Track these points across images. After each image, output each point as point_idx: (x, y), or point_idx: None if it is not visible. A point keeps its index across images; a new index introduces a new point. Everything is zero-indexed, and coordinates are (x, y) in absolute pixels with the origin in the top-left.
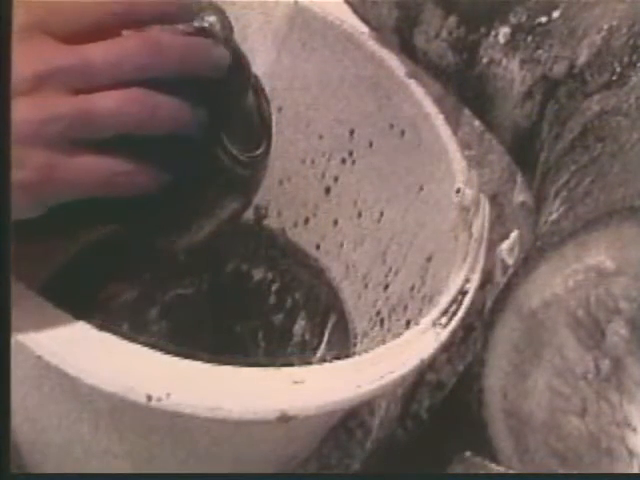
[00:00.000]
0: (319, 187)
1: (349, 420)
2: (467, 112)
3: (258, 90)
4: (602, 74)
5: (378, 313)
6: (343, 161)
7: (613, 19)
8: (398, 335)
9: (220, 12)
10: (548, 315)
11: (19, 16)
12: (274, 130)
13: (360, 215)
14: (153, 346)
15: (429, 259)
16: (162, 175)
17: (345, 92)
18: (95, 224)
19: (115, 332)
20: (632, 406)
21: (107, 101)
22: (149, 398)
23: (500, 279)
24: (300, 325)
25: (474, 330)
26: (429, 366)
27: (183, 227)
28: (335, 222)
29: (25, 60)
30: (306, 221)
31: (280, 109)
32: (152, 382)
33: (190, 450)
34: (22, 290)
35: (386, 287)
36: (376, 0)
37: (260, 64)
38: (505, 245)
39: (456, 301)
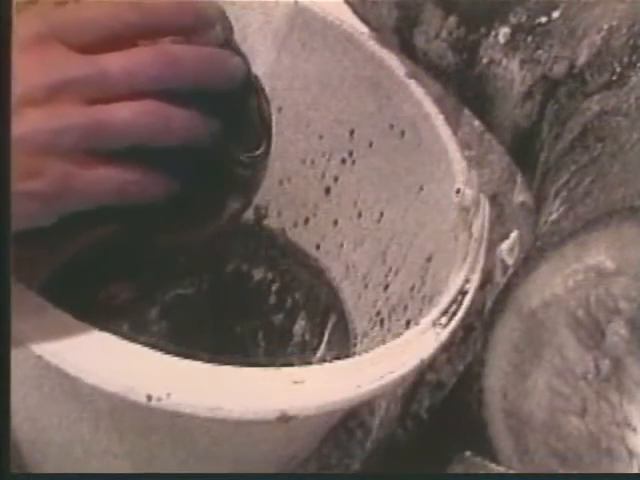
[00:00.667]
0: (319, 187)
1: (349, 420)
2: (467, 112)
3: (258, 90)
4: (602, 74)
5: (378, 313)
6: (343, 161)
7: (613, 19)
8: (398, 335)
9: (220, 12)
10: (548, 315)
11: (34, 25)
12: (274, 130)
13: (360, 215)
14: (153, 346)
15: (429, 259)
16: (172, 182)
17: (345, 92)
18: (96, 225)
19: (115, 332)
20: (632, 406)
21: (121, 112)
22: (149, 398)
23: (500, 279)
24: (300, 325)
25: (474, 330)
26: (429, 366)
27: (183, 227)
28: (335, 222)
29: (40, 69)
30: (306, 221)
31: (280, 109)
32: (152, 382)
33: (190, 450)
34: (22, 290)
35: (386, 287)
36: (376, 0)
37: (260, 64)
38: (505, 245)
39: (456, 301)
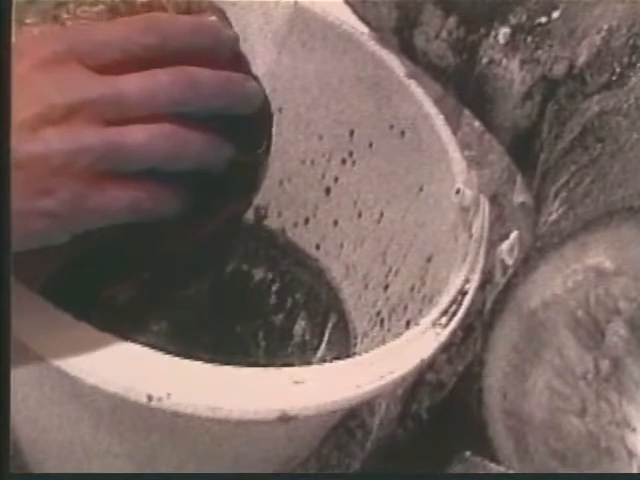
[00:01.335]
0: (319, 187)
1: (349, 420)
2: (467, 112)
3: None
4: (602, 74)
5: (378, 313)
6: (343, 161)
7: (613, 19)
8: (398, 335)
9: (220, 12)
10: (548, 315)
11: (53, 44)
12: (274, 130)
13: (360, 215)
14: (153, 346)
15: (429, 259)
16: (184, 197)
17: (345, 92)
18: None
19: (115, 332)
20: (631, 406)
21: (138, 135)
22: (150, 398)
23: (500, 279)
24: (300, 325)
25: (474, 330)
26: (429, 366)
27: (184, 227)
28: (335, 222)
29: (58, 88)
30: (306, 221)
31: (280, 109)
32: (153, 382)
33: (190, 450)
34: (22, 290)
35: (386, 287)
36: (376, 0)
37: (260, 64)
38: (505, 245)
39: (456, 301)
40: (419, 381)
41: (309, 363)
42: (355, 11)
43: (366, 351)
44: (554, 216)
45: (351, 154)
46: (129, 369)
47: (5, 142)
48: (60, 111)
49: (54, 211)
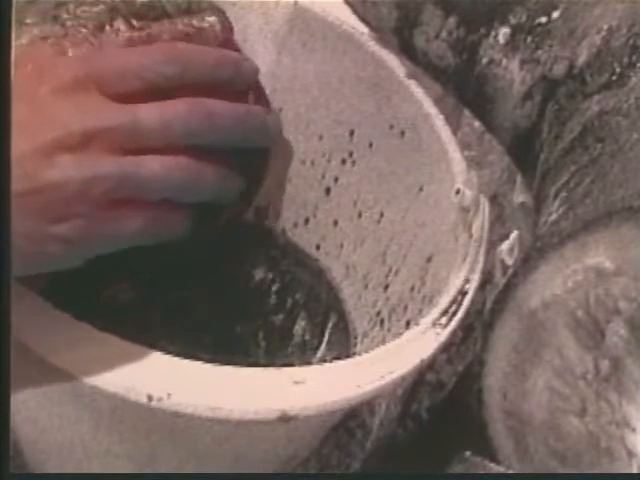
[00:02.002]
0: (319, 188)
1: (349, 420)
2: (467, 112)
3: (258, 91)
4: (602, 74)
5: (378, 313)
6: (343, 162)
7: (613, 19)
8: (398, 335)
9: (220, 12)
10: (548, 315)
11: (73, 69)
12: None
13: (360, 215)
14: (153, 346)
15: (429, 259)
16: (194, 215)
17: (345, 93)
18: None
19: (115, 332)
20: (631, 406)
21: (153, 166)
22: (150, 398)
23: (500, 279)
24: (300, 325)
25: (474, 330)
26: (429, 366)
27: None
28: (335, 222)
29: (75, 115)
30: (306, 221)
31: (280, 110)
32: (153, 382)
33: (190, 450)
34: (22, 290)
35: (386, 287)
36: (376, 0)
37: (260, 65)
38: (505, 245)
39: (456, 301)
40: (419, 381)
41: (309, 363)
42: (355, 11)
43: (366, 351)
44: (554, 216)
45: (351, 154)
46: (129, 369)
47: (5, 142)
48: (77, 138)
49: (68, 237)
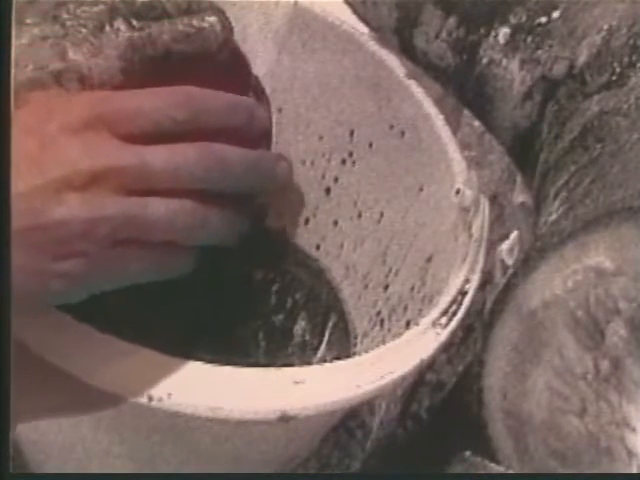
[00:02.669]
0: (319, 188)
1: (349, 420)
2: (467, 112)
3: (258, 91)
4: (602, 74)
5: (378, 313)
6: (343, 162)
7: (613, 19)
8: (398, 335)
9: (220, 12)
10: (547, 315)
11: (83, 110)
12: (274, 131)
13: (360, 216)
14: (153, 346)
15: (429, 259)
16: (198, 253)
17: (345, 93)
18: None
19: (116, 333)
20: (631, 406)
21: (159, 209)
22: (150, 398)
23: (500, 279)
24: (300, 325)
25: (474, 330)
26: (429, 366)
27: None
28: (335, 222)
29: (83, 155)
30: (306, 221)
31: (280, 110)
32: (153, 382)
33: (191, 450)
34: None
35: (386, 287)
36: (376, 1)
37: (260, 65)
38: (505, 245)
39: (456, 301)
40: (419, 381)
41: (309, 363)
42: (355, 11)
43: (366, 351)
44: (554, 216)
45: (351, 154)
46: (129, 369)
47: (5, 143)
48: (85, 177)
49: (70, 274)
